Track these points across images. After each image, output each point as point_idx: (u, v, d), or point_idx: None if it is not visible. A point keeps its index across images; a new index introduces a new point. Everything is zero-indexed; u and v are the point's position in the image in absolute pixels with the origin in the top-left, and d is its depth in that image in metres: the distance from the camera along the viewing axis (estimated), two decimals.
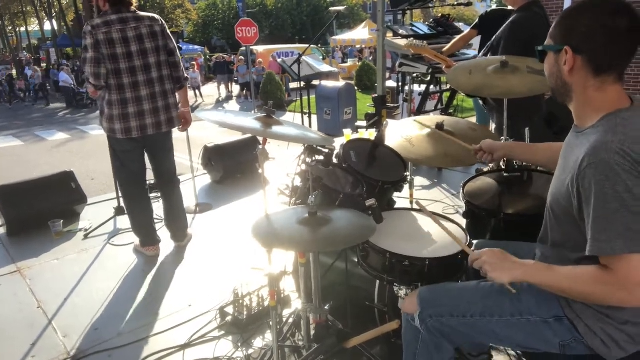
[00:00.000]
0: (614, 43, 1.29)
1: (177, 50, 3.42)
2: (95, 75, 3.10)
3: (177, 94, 3.48)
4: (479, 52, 4.00)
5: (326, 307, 2.02)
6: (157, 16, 3.34)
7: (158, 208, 3.80)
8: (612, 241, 1.20)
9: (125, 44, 3.12)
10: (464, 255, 1.77)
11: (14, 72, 26.55)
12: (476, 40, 4.35)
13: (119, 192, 4.33)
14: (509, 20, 3.17)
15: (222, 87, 19.31)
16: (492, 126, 3.83)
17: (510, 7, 3.37)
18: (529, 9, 3.15)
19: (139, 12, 3.25)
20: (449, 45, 4.27)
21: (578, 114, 1.43)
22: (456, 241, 1.69)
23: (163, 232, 3.77)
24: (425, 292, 1.61)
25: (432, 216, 1.82)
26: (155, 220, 3.71)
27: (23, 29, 44.71)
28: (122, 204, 4.32)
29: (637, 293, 1.20)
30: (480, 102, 3.91)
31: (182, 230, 3.77)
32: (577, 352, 1.42)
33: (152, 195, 3.67)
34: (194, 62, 20.35)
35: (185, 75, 3.50)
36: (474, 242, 1.88)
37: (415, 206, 2.91)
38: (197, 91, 17.97)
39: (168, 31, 3.36)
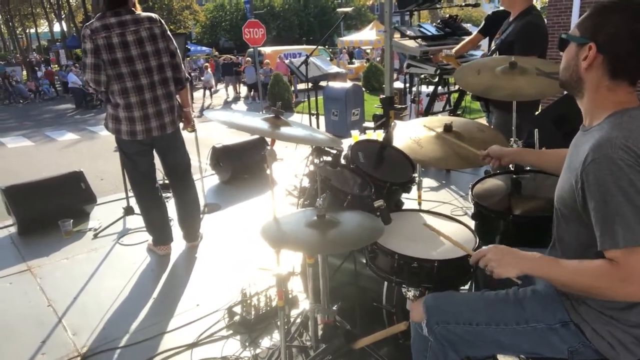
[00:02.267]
0: (638, 50, 1.28)
1: (178, 51, 3.38)
2: (95, 82, 3.10)
3: (178, 95, 3.48)
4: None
5: (334, 308, 2.02)
6: (155, 16, 3.29)
7: (170, 207, 3.81)
8: (616, 235, 1.20)
9: (125, 48, 3.09)
10: None
11: (24, 73, 26.77)
12: (485, 42, 4.34)
13: (131, 191, 4.36)
14: (522, 24, 3.18)
15: (230, 88, 19.38)
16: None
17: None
18: (531, 13, 3.21)
19: (137, 12, 3.21)
20: (457, 47, 4.26)
21: (586, 112, 1.43)
22: (460, 247, 1.68)
23: (174, 231, 3.78)
24: (430, 299, 1.61)
25: (437, 230, 1.80)
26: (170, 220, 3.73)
27: (33, 30, 45.19)
28: (132, 204, 4.35)
29: None
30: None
31: (195, 230, 3.77)
32: (585, 357, 1.41)
33: (165, 195, 3.68)
34: (207, 64, 20.44)
35: (187, 75, 3.48)
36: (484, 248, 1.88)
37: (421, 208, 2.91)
38: (209, 91, 18.07)
39: (168, 32, 3.32)
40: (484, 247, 1.48)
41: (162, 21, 3.32)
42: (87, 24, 3.13)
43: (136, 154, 3.37)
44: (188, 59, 19.57)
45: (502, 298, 1.52)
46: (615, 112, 1.33)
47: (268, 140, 2.04)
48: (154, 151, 3.46)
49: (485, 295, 1.57)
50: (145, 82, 3.18)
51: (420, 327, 1.59)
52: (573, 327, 1.40)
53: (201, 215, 4.34)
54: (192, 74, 19.72)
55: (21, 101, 20.68)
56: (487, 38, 4.20)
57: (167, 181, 3.77)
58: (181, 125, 3.59)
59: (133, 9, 3.20)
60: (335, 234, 1.69)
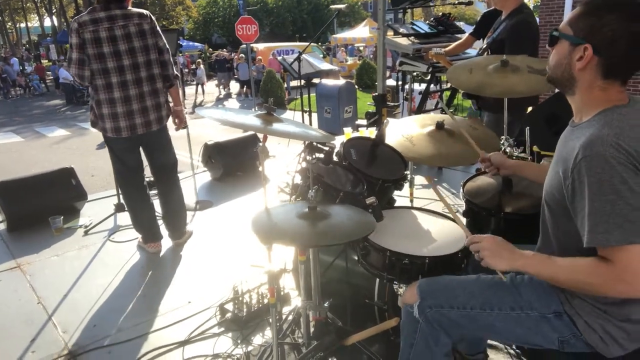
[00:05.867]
0: (634, 52, 1.28)
1: (167, 48, 3.36)
2: (80, 77, 3.12)
3: (169, 93, 3.46)
4: None
5: (326, 305, 2.02)
6: (146, 12, 3.28)
7: (158, 205, 3.79)
8: (610, 232, 1.21)
9: (112, 42, 3.08)
10: (463, 254, 1.78)
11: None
12: (480, 41, 4.34)
13: (119, 188, 4.34)
14: (512, 23, 3.20)
15: (222, 82, 19.30)
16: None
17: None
18: (522, 12, 3.22)
19: (129, 8, 3.20)
20: (449, 48, 4.27)
21: (577, 109, 1.44)
22: (458, 223, 1.68)
23: (164, 228, 3.77)
24: (425, 283, 1.62)
25: (443, 200, 1.79)
26: (157, 217, 3.70)
27: (23, 25, 44.73)
28: (122, 201, 4.33)
29: (636, 284, 1.21)
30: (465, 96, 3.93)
31: (180, 228, 3.74)
32: (576, 349, 1.43)
33: (152, 192, 3.66)
34: (199, 60, 20.36)
35: (175, 72, 3.44)
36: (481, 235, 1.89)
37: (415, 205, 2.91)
38: (201, 87, 18.01)
39: (158, 28, 3.30)
40: (481, 235, 1.48)
41: (153, 17, 3.30)
42: (76, 17, 3.12)
43: (123, 151, 3.34)
44: (180, 54, 19.46)
45: (498, 283, 1.53)
46: (605, 109, 1.33)
47: (260, 136, 2.04)
48: (141, 149, 3.44)
49: (482, 279, 1.58)
50: (131, 78, 3.16)
51: (411, 308, 1.60)
52: (566, 318, 1.42)
53: (193, 212, 4.34)
54: (184, 71, 19.58)
55: (12, 95, 20.45)
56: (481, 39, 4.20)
57: (150, 179, 3.75)
58: (173, 123, 3.57)
59: (125, 4, 3.18)
60: (326, 226, 1.69)
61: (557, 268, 1.34)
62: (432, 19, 5.39)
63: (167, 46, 3.37)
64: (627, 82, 1.36)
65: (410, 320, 1.61)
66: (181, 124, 3.61)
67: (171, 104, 3.51)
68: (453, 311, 1.53)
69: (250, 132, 5.56)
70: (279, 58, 8.59)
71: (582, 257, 1.30)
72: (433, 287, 1.60)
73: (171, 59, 3.41)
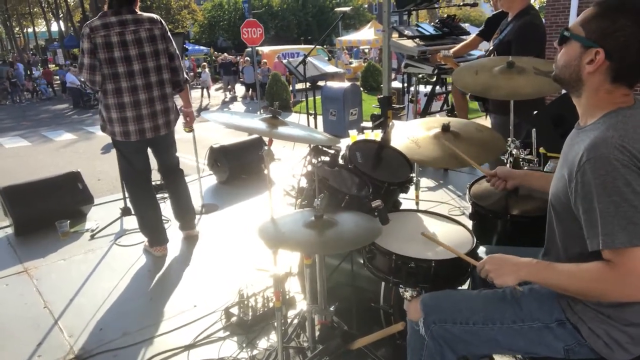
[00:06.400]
0: None
1: (177, 54, 3.39)
2: (91, 82, 3.15)
3: (179, 96, 3.53)
4: None
5: (331, 309, 2.02)
6: (157, 17, 3.29)
7: (165, 209, 3.81)
8: (614, 234, 1.19)
9: (123, 47, 3.10)
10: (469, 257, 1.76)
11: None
12: (485, 42, 4.33)
13: (126, 191, 4.36)
14: (519, 24, 3.18)
15: (228, 87, 19.38)
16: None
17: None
18: (529, 13, 3.20)
19: (139, 12, 3.21)
20: (456, 48, 4.26)
21: (583, 112, 1.42)
22: (462, 257, 1.66)
23: (170, 232, 3.78)
24: (428, 298, 1.61)
25: (440, 242, 1.78)
26: (164, 220, 3.73)
27: (30, 29, 45.15)
28: (129, 205, 4.34)
29: None
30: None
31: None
32: (582, 356, 1.41)
33: (158, 195, 3.69)
34: (204, 63, 20.49)
35: (185, 77, 3.47)
36: (482, 247, 1.87)
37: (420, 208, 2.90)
38: (207, 91, 18.11)
39: (169, 34, 3.31)
40: (482, 260, 1.48)
41: (164, 23, 3.33)
42: (88, 22, 3.14)
43: (132, 153, 3.37)
44: (186, 58, 19.61)
45: (499, 297, 1.52)
46: (610, 111, 1.32)
47: (266, 140, 2.03)
48: (149, 150, 3.48)
49: (483, 294, 1.57)
50: (141, 83, 3.17)
51: (416, 326, 1.58)
52: (569, 326, 1.40)
53: (199, 216, 4.34)
54: (190, 74, 19.72)
55: (23, 100, 20.63)
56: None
57: (159, 182, 3.80)
58: (182, 123, 3.64)
59: (134, 8, 3.21)
60: (333, 234, 1.69)
61: (560, 275, 1.32)
62: (437, 20, 5.39)
63: (178, 52, 3.41)
64: (634, 85, 1.34)
65: (417, 336, 1.59)
66: (192, 122, 3.68)
67: (179, 106, 3.56)
68: (456, 326, 1.51)
69: (256, 135, 5.57)
70: (284, 61, 8.59)
71: (586, 261, 1.28)
72: (436, 302, 1.59)
73: (181, 64, 3.45)
